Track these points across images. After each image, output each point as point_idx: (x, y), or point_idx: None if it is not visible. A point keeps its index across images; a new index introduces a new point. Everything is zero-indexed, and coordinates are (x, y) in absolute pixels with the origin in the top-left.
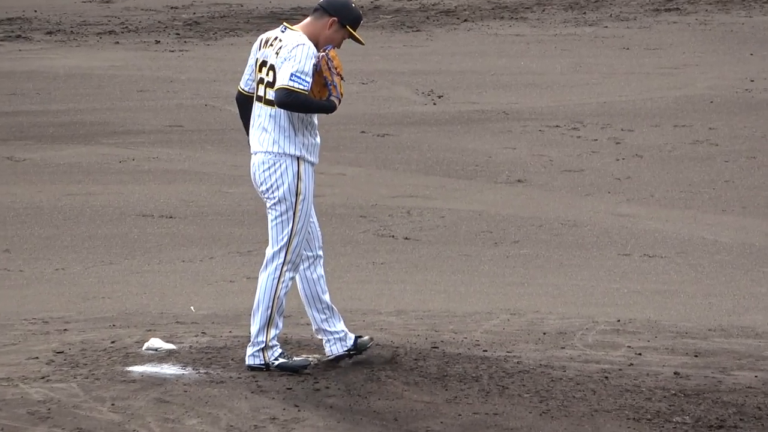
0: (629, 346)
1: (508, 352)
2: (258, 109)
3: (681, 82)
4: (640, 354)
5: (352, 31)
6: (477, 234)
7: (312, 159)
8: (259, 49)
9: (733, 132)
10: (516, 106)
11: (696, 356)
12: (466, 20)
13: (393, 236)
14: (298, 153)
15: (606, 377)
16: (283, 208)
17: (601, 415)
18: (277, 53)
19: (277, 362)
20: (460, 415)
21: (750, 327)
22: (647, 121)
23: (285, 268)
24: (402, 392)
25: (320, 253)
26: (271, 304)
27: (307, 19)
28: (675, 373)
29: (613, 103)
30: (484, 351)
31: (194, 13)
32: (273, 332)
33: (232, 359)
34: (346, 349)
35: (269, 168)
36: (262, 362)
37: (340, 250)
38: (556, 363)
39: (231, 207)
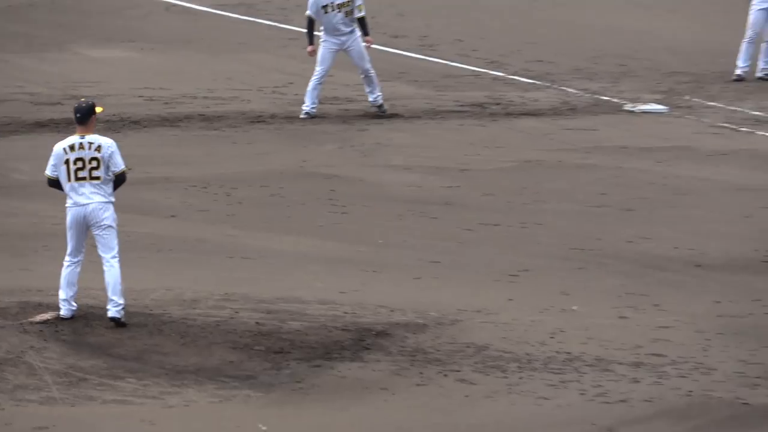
0: None
1: None
2: (86, 187)
3: None
4: None
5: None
6: None
7: None
8: (66, 154)
9: None
10: None
11: None
12: None
13: None
14: (114, 200)
15: None
16: (114, 230)
17: None
18: (98, 150)
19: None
20: None
21: None
22: None
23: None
24: None
25: None
26: (120, 279)
27: (82, 127)
28: None
29: None
30: None
31: None
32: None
33: None
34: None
35: (107, 210)
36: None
37: None
38: None
39: None
